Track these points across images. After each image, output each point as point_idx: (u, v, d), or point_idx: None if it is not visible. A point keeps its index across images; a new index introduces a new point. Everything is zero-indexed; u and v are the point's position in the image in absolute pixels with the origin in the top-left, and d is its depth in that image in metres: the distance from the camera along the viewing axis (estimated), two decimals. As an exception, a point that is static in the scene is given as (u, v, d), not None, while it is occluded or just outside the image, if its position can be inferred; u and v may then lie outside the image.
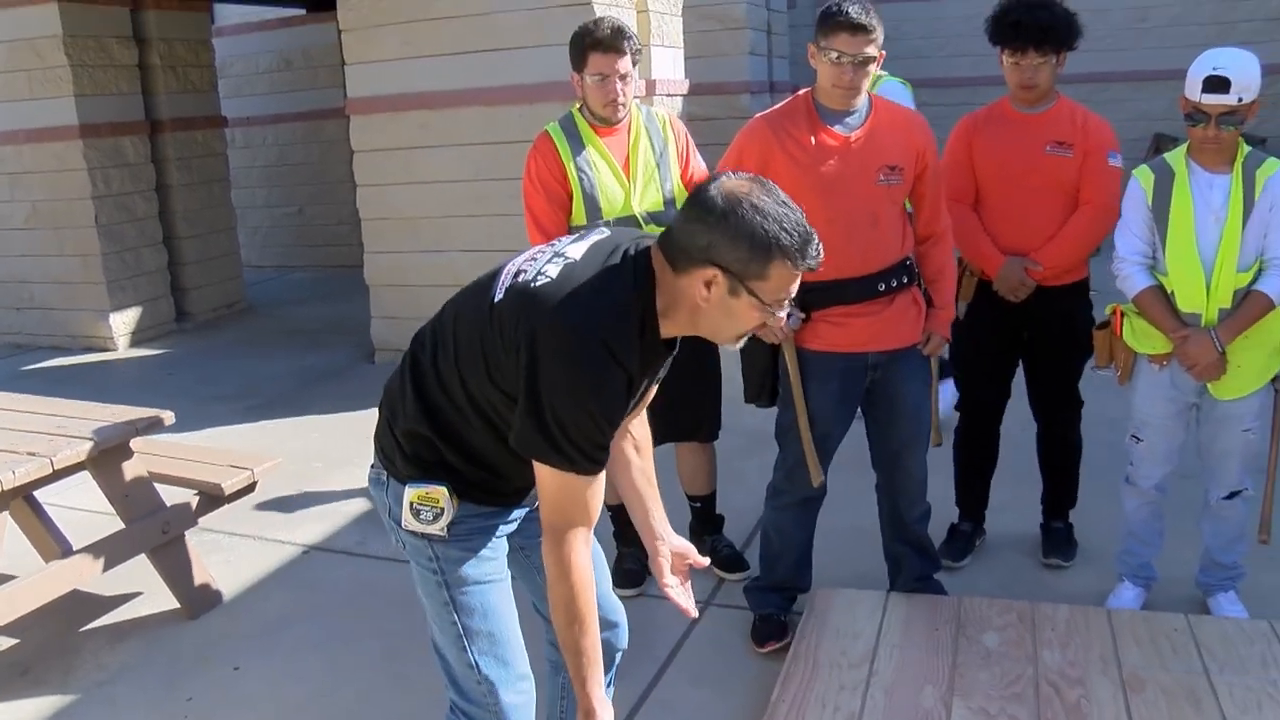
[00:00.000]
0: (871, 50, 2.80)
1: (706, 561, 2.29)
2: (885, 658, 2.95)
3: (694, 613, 2.16)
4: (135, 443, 3.51)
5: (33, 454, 3.17)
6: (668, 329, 1.90)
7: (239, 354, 7.43)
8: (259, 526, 4.37)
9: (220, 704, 3.14)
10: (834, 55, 2.79)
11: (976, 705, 2.72)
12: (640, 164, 3.32)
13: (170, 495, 3.64)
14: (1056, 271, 3.34)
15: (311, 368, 6.96)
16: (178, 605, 3.65)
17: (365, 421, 5.61)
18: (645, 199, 3.32)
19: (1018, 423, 3.70)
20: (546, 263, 1.87)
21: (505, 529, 2.10)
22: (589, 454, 1.81)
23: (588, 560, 1.87)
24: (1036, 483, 3.73)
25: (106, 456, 3.36)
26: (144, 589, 3.80)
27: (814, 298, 2.91)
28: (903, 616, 3.15)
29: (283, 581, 3.91)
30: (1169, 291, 3.03)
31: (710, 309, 1.83)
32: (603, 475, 1.86)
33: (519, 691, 2.08)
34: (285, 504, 4.60)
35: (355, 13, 6.55)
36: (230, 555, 4.09)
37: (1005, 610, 3.16)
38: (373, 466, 2.13)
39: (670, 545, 2.18)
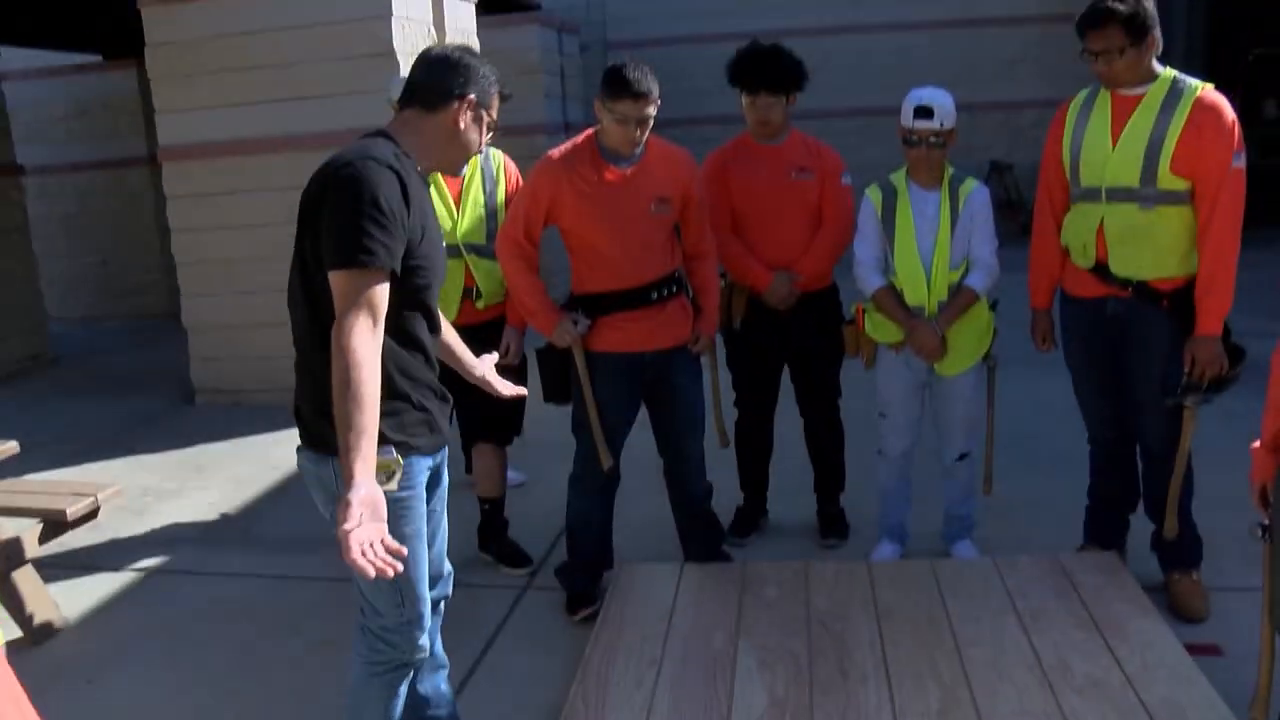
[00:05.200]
0: (651, 110, 3.28)
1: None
2: (681, 613, 3.44)
3: (520, 390, 2.87)
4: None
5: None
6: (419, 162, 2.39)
7: (52, 402, 7.39)
8: (99, 556, 4.53)
9: (77, 714, 3.32)
10: (618, 116, 3.28)
11: (759, 643, 3.24)
12: (470, 201, 3.81)
13: (12, 527, 3.79)
14: (811, 280, 3.93)
15: (132, 412, 7.00)
16: (20, 634, 3.80)
17: (192, 456, 5.84)
18: (468, 231, 3.79)
19: (788, 422, 4.25)
20: None
21: (425, 476, 2.42)
22: (371, 249, 2.15)
23: (370, 344, 2.13)
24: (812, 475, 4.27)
25: (-53, 491, 3.51)
26: (-14, 621, 3.93)
27: (598, 306, 3.44)
28: (695, 580, 3.66)
29: (129, 604, 4.09)
30: (898, 289, 3.67)
31: (464, 133, 2.39)
32: (384, 281, 2.19)
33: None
34: (122, 533, 4.77)
35: (164, 61, 6.72)
36: (74, 584, 4.23)
37: (783, 569, 3.72)
38: (300, 450, 2.39)
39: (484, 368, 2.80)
